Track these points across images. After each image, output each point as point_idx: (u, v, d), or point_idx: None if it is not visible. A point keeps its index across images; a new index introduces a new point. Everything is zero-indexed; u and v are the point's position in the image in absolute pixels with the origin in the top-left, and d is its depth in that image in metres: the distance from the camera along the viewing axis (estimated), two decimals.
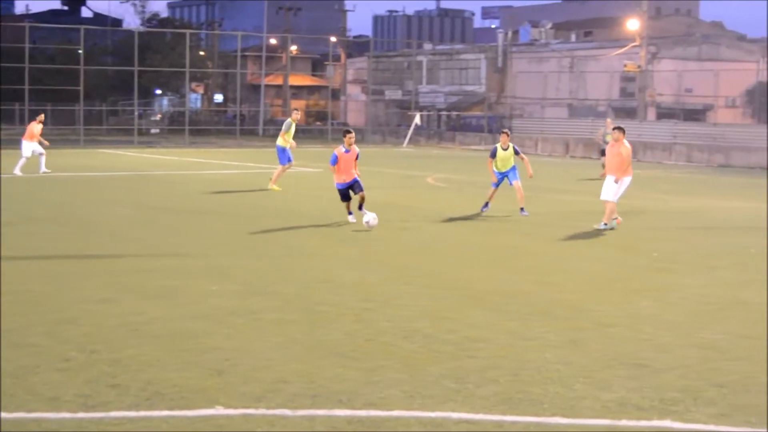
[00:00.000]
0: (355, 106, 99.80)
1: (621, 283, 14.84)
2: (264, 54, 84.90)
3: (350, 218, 21.63)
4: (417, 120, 70.83)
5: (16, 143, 40.54)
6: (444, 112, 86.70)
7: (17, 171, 33.54)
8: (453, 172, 40.68)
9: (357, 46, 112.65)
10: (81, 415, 7.99)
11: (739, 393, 8.96)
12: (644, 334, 11.28)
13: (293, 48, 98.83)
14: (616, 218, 21.20)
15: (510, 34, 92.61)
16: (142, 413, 8.05)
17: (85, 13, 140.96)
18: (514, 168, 23.96)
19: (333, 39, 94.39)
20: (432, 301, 12.96)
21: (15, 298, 12.53)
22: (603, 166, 37.76)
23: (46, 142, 35.88)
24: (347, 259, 16.66)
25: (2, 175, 31.65)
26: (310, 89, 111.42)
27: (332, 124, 79.81)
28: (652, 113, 70.09)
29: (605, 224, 21.12)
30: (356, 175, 21.54)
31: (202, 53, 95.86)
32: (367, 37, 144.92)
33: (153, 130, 79.70)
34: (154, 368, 9.38)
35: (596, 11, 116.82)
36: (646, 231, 21.01)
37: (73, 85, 63.84)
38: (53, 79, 71.91)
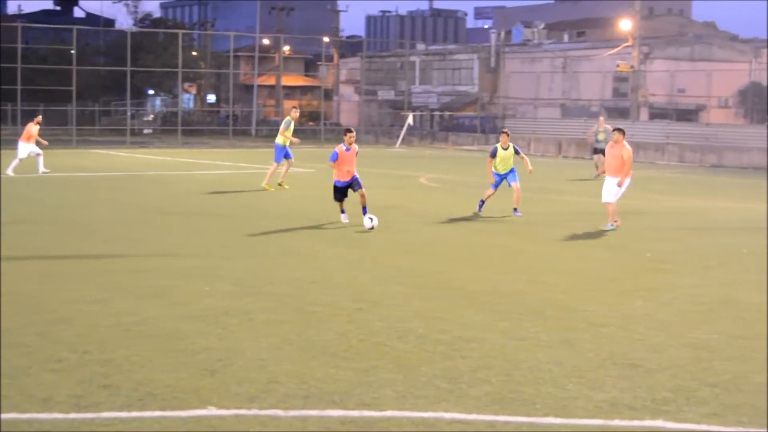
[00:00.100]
0: (347, 107, 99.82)
1: (613, 283, 14.86)
2: (257, 54, 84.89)
3: (343, 218, 21.63)
4: (410, 120, 70.84)
5: (9, 144, 40.53)
6: (437, 113, 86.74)
7: (9, 172, 33.48)
8: (446, 173, 40.70)
9: (350, 47, 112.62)
10: (73, 415, 7.99)
11: (731, 393, 8.97)
12: (637, 334, 11.29)
13: (286, 48, 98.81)
14: (615, 221, 21.19)
15: (503, 34, 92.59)
16: (135, 414, 8.05)
17: (78, 13, 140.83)
18: (513, 170, 23.88)
19: (326, 39, 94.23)
20: (425, 302, 12.96)
21: (7, 298, 12.50)
22: (596, 166, 37.90)
23: (44, 142, 35.84)
24: (340, 260, 16.66)
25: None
26: (303, 89, 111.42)
27: (325, 124, 79.82)
28: (644, 113, 70.17)
29: (611, 224, 21.12)
30: (355, 174, 21.53)
31: (194, 53, 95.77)
32: (359, 37, 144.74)
33: (146, 131, 79.62)
34: (146, 369, 9.37)
35: (589, 11, 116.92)
36: (639, 231, 21.02)
37: (65, 85, 63.77)
38: (46, 80, 71.79)
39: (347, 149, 21.56)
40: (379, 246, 18.59)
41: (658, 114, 71.17)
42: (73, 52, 66.67)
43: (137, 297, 12.90)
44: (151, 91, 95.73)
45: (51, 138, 36.19)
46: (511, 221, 22.83)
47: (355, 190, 21.46)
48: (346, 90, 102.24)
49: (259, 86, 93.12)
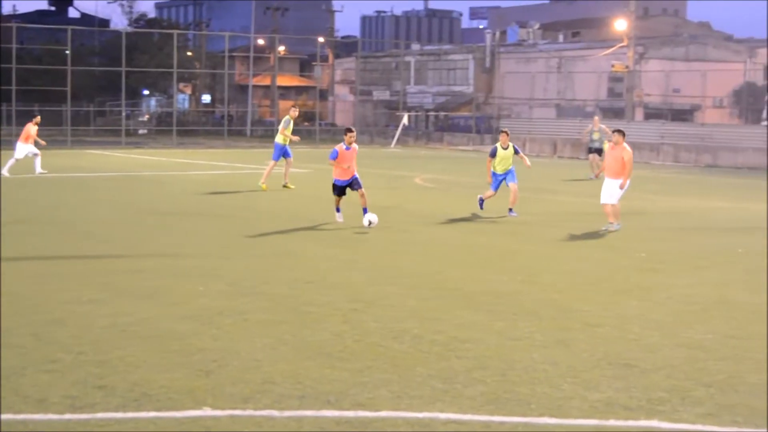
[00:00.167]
0: (343, 107, 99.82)
1: (608, 284, 14.87)
2: (252, 54, 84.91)
3: (338, 216, 21.64)
4: (405, 120, 70.82)
5: (5, 144, 40.47)
6: (432, 113, 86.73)
7: (5, 172, 33.44)
8: (441, 173, 40.70)
9: (345, 47, 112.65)
10: (68, 416, 7.98)
11: (726, 393, 8.98)
12: (631, 334, 11.30)
13: (281, 48, 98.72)
14: (611, 223, 21.17)
15: (498, 34, 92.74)
16: (130, 414, 8.04)
17: (73, 13, 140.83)
18: (512, 170, 23.83)
19: (321, 39, 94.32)
20: (420, 302, 12.96)
21: (2, 299, 12.47)
22: (592, 165, 37.89)
23: (42, 142, 35.81)
24: (335, 260, 16.66)
25: None
26: (298, 90, 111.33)
27: (320, 124, 79.80)
28: (639, 113, 70.23)
29: (617, 225, 21.14)
30: (355, 173, 21.50)
31: (189, 54, 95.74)
32: (354, 37, 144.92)
33: (141, 131, 79.58)
34: (141, 369, 9.37)
35: (584, 12, 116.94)
36: (633, 231, 21.03)
37: (60, 85, 63.70)
38: (40, 80, 71.70)
39: (347, 148, 21.49)
40: (375, 246, 18.59)
41: (653, 114, 71.24)
42: (67, 52, 66.57)
43: (132, 297, 12.89)
44: (146, 92, 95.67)
45: (46, 138, 36.16)
46: (506, 221, 22.84)
47: (354, 189, 21.43)
48: (341, 90, 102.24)
49: (254, 86, 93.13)
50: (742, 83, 72.42)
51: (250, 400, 8.45)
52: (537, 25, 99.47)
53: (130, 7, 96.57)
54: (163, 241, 18.88)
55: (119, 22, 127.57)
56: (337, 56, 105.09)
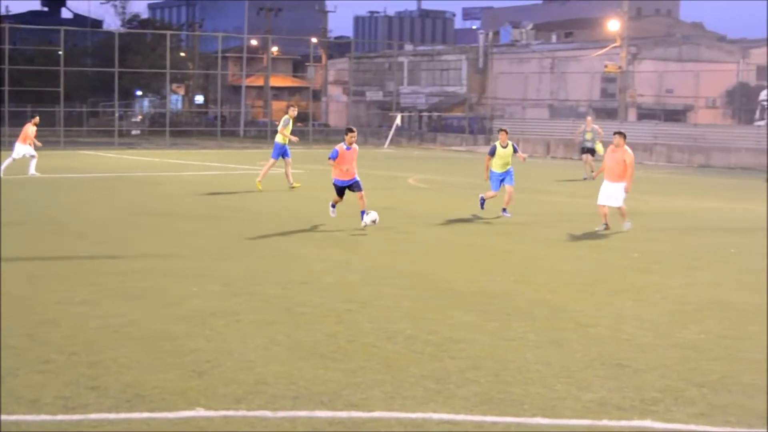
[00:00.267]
0: (336, 107, 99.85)
1: (602, 284, 14.88)
2: (245, 55, 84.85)
3: (331, 212, 21.62)
4: (398, 121, 70.83)
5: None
6: (425, 113, 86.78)
7: (1, 173, 33.42)
8: (434, 173, 40.69)
9: (338, 47, 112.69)
10: (61, 417, 7.97)
11: (719, 393, 8.99)
12: (625, 334, 11.31)
13: (274, 49, 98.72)
14: (605, 224, 21.17)
15: (491, 34, 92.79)
16: (123, 415, 8.03)
17: (65, 14, 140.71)
18: (511, 171, 23.79)
19: (314, 40, 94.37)
20: (413, 302, 12.96)
21: None
22: (587, 166, 37.92)
23: (38, 144, 35.77)
24: (328, 261, 16.65)
25: None
26: (291, 90, 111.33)
27: (313, 125, 79.75)
28: (632, 114, 70.30)
29: (629, 223, 21.17)
30: (356, 175, 21.30)
31: (182, 54, 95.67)
32: (348, 38, 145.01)
33: (133, 132, 79.53)
34: (134, 370, 9.36)
35: (577, 12, 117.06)
36: (626, 232, 21.04)
37: (53, 86, 63.58)
38: (33, 81, 71.64)
39: (348, 148, 21.25)
40: (369, 247, 18.59)
41: (646, 114, 71.32)
42: (60, 53, 66.54)
43: (125, 298, 12.87)
44: (139, 92, 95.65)
45: (39, 139, 36.01)
46: (500, 222, 22.83)
47: (353, 191, 21.26)
48: (335, 91, 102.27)
49: (248, 87, 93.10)
50: (735, 84, 72.56)
51: (243, 401, 8.44)
52: (530, 26, 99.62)
53: (123, 7, 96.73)
54: (156, 241, 18.87)
55: (112, 22, 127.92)
56: (330, 57, 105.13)
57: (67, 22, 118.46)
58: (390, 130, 71.19)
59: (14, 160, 34.63)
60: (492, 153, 23.82)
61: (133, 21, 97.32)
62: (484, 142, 68.55)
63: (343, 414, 8.17)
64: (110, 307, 12.22)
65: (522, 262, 17.10)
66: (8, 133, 51.12)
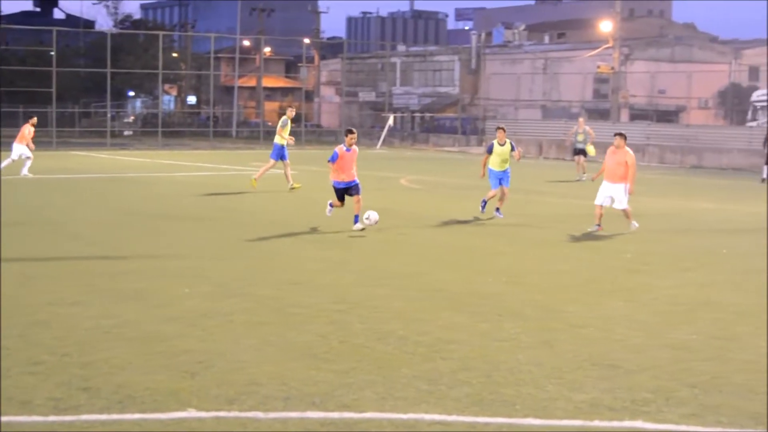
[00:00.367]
0: (328, 108, 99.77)
1: (593, 284, 14.89)
2: (237, 55, 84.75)
3: (328, 210, 21.49)
4: (390, 121, 70.83)
5: None
6: (417, 114, 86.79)
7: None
8: (427, 174, 40.71)
9: (330, 48, 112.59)
10: (52, 418, 7.96)
11: (710, 393, 9.01)
12: (616, 334, 11.32)
13: (266, 50, 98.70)
14: (598, 225, 21.16)
15: (483, 35, 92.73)
16: (114, 416, 8.03)
17: (58, 14, 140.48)
18: (508, 172, 23.77)
19: (306, 41, 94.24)
20: (405, 303, 12.96)
21: None
22: (580, 167, 37.96)
23: (32, 146, 35.76)
24: (320, 261, 16.64)
25: None
26: (284, 91, 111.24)
27: (306, 125, 79.70)
28: (625, 114, 70.35)
29: (635, 223, 21.21)
30: (356, 177, 21.06)
31: (175, 55, 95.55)
32: (340, 38, 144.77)
33: (126, 132, 79.42)
34: (126, 371, 9.35)
35: (569, 13, 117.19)
36: (618, 232, 21.05)
37: (45, 86, 63.46)
38: (25, 81, 71.55)
39: (348, 150, 20.93)
40: (360, 248, 18.59)
41: (638, 115, 71.38)
42: (52, 53, 66.41)
43: (117, 299, 12.86)
44: (131, 93, 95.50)
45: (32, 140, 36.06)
46: (491, 223, 22.83)
47: (351, 195, 20.97)
48: (327, 91, 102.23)
49: (240, 88, 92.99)
50: (727, 84, 72.66)
51: (235, 402, 8.44)
52: (522, 27, 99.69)
53: (116, 8, 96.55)
54: (148, 242, 18.85)
55: (104, 23, 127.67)
56: (322, 57, 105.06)
57: (59, 22, 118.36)
58: (382, 130, 71.17)
59: (14, 161, 34.74)
60: (489, 151, 23.85)
61: (126, 21, 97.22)
62: (477, 142, 68.59)
63: (335, 415, 8.17)
64: (102, 308, 12.21)
65: (514, 263, 17.11)
66: (1, 133, 51.01)
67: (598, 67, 67.35)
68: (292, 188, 29.87)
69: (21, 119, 63.22)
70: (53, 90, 61.39)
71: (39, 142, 49.19)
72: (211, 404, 8.36)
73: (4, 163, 34.25)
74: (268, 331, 11.08)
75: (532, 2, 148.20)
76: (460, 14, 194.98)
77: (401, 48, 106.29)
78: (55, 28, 67.44)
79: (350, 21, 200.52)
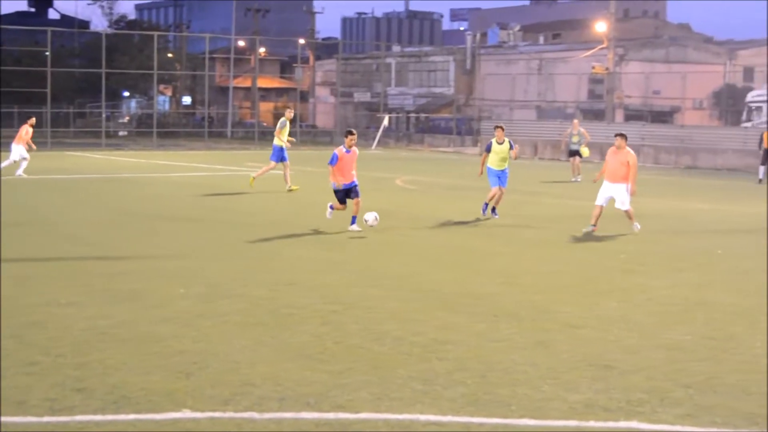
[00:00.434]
0: (323, 108, 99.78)
1: (588, 285, 14.89)
2: (232, 56, 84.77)
3: (328, 213, 21.29)
4: (385, 122, 70.82)
5: None
6: (412, 114, 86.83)
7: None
8: (422, 174, 40.70)
9: (325, 48, 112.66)
10: (47, 419, 7.96)
11: (705, 393, 9.01)
12: (611, 335, 11.32)
13: (261, 50, 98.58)
14: (594, 225, 21.16)
15: (478, 36, 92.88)
16: (109, 417, 8.02)
17: (52, 14, 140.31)
18: (506, 173, 23.78)
19: (301, 41, 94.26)
20: (400, 304, 12.96)
21: None
22: (574, 169, 37.97)
23: (33, 146, 35.82)
24: (316, 262, 16.64)
25: None
26: (279, 91, 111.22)
27: (301, 126, 79.70)
28: (620, 115, 70.43)
29: (637, 225, 21.20)
30: (355, 179, 20.89)
31: (170, 55, 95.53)
32: (335, 39, 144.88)
33: (121, 133, 79.37)
34: (120, 372, 9.34)
35: (564, 13, 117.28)
36: (613, 233, 21.06)
37: (40, 87, 63.41)
38: (20, 81, 71.47)
39: (348, 151, 20.74)
40: (355, 248, 18.58)
41: (633, 116, 71.45)
42: (47, 53, 66.31)
43: (112, 300, 12.84)
44: (126, 93, 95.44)
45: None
46: (486, 224, 22.83)
47: (351, 198, 20.83)
48: (322, 92, 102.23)
49: (235, 88, 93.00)
50: (721, 85, 72.76)
51: (229, 402, 8.44)
52: (517, 27, 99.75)
53: (110, 8, 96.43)
54: (143, 243, 18.83)
55: (99, 23, 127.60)
56: (317, 58, 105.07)
57: (54, 22, 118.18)
58: (377, 131, 71.17)
59: (15, 162, 34.84)
60: (488, 149, 23.88)
61: (121, 22, 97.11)
62: (472, 143, 68.60)
63: (330, 415, 8.17)
64: (97, 309, 12.19)
65: (509, 263, 17.11)
66: (1, 134, 51.01)
67: (593, 67, 67.39)
68: (290, 190, 29.84)
69: (16, 119, 63.42)
70: (48, 90, 61.35)
71: (34, 142, 49.19)
72: (206, 405, 8.35)
73: (5, 164, 34.29)
74: (262, 332, 11.08)
75: (527, 3, 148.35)
76: (455, 15, 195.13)
77: (396, 48, 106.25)
78: (50, 29, 67.34)
79: (345, 21, 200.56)
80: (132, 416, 8.05)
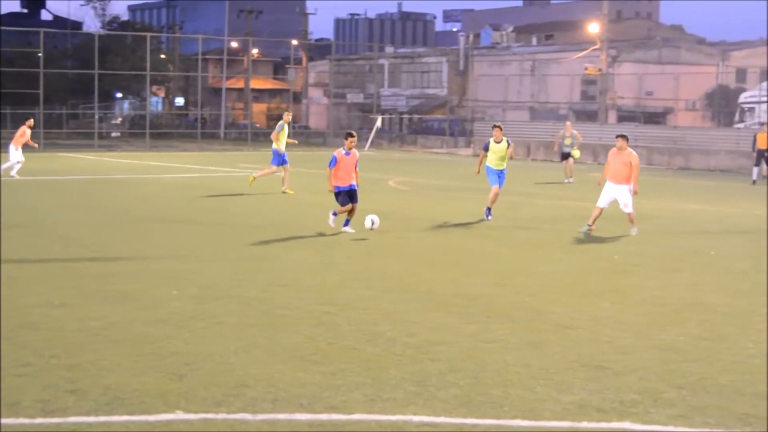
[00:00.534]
0: (316, 110, 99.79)
1: (581, 286, 14.90)
2: (225, 57, 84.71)
3: (331, 220, 20.95)
4: (378, 123, 70.84)
5: None
6: (406, 115, 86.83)
7: (13, 173, 33.82)
8: (415, 175, 40.72)
9: (318, 50, 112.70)
10: (40, 420, 7.94)
11: (698, 394, 9.02)
12: (604, 336, 11.33)
13: (254, 51, 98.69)
14: (590, 226, 21.17)
15: (471, 37, 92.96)
16: (102, 418, 8.01)
17: (45, 15, 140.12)
18: (504, 174, 23.77)
19: (294, 42, 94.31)
20: (393, 305, 12.96)
21: None
22: (570, 171, 38.00)
23: (34, 144, 35.97)
24: (309, 263, 16.63)
25: None
26: (272, 92, 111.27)
27: (294, 127, 79.59)
28: (612, 116, 70.46)
29: (635, 229, 21.19)
30: (354, 182, 20.76)
31: (162, 56, 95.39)
32: (328, 40, 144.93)
33: (113, 134, 79.30)
34: (113, 373, 9.33)
35: (557, 15, 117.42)
36: (607, 233, 21.08)
37: (32, 88, 63.31)
38: (12, 83, 71.35)
39: (347, 154, 20.62)
40: (348, 249, 18.57)
41: (626, 117, 71.49)
42: (40, 54, 66.24)
43: (104, 301, 12.83)
44: (119, 94, 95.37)
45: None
46: (480, 224, 22.83)
47: (350, 201, 20.69)
48: (315, 93, 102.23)
49: (228, 89, 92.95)
50: (714, 86, 72.81)
51: (222, 404, 8.43)
52: (510, 28, 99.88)
53: (103, 9, 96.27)
54: (136, 244, 18.80)
55: (92, 24, 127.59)
56: (310, 59, 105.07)
57: (46, 23, 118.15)
58: (371, 132, 71.19)
59: (19, 162, 34.92)
60: (486, 148, 23.88)
61: (113, 23, 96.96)
62: (465, 144, 68.64)
63: (323, 416, 8.17)
64: (90, 310, 12.18)
65: (502, 264, 17.11)
66: (1, 134, 51.08)
67: (586, 68, 67.47)
68: (284, 192, 29.81)
69: (9, 121, 63.37)
70: (41, 91, 61.24)
71: (26, 143, 49.12)
72: (199, 406, 8.34)
73: (5, 165, 34.34)
74: (256, 333, 11.07)
75: (520, 4, 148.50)
76: (448, 16, 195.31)
77: (389, 49, 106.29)
78: (42, 30, 67.29)
79: (338, 22, 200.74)
80: (125, 417, 8.04)
